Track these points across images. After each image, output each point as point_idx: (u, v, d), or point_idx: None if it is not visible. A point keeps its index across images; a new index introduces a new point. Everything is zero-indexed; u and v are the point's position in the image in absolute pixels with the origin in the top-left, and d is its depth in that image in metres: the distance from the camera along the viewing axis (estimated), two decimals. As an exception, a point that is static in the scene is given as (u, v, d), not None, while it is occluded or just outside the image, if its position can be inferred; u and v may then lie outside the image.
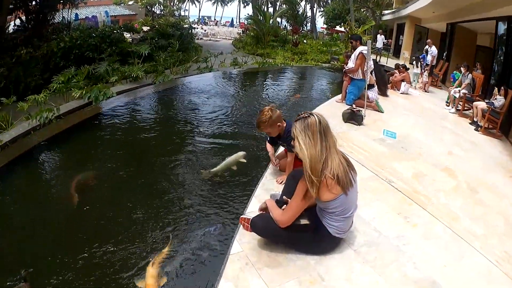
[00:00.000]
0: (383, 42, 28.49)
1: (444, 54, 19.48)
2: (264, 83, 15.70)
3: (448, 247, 4.13)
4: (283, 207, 3.80)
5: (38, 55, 14.92)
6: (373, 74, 10.61)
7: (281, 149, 6.18)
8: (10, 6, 16.85)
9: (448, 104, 12.61)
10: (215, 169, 5.97)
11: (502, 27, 13.15)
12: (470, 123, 10.57)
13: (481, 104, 10.44)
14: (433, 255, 3.94)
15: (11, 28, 18.35)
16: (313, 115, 3.44)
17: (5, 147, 7.21)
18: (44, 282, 3.69)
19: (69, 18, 21.13)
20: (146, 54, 16.48)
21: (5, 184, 5.90)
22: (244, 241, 3.91)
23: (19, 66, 13.62)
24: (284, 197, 4.01)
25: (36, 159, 6.87)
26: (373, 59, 11.11)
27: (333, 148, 3.41)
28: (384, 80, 12.79)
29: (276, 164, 5.51)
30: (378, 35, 27.95)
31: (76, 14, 26.38)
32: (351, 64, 9.88)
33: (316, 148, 3.31)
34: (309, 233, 3.73)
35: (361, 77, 9.66)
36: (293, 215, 3.50)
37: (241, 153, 6.36)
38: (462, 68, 13.00)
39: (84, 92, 10.62)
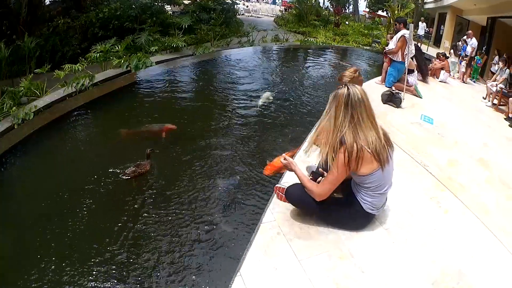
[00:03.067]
0: (425, 30, 27.82)
1: (484, 48, 18.86)
2: (305, 60, 15.50)
3: (476, 238, 3.94)
4: (319, 179, 3.73)
5: (76, 25, 15.06)
6: (414, 59, 10.35)
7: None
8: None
9: (485, 97, 12.18)
10: (260, 102, 8.40)
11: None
12: (505, 119, 10.15)
13: (517, 101, 10.04)
14: (462, 244, 3.77)
15: (48, 0, 18.41)
16: (346, 87, 3.30)
17: (39, 113, 7.44)
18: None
19: (108, -10, 20.91)
20: (187, 27, 16.48)
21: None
22: (277, 211, 3.84)
23: (56, 36, 13.79)
24: (320, 169, 3.89)
25: (71, 122, 7.17)
26: (415, 44, 10.83)
27: (366, 123, 3.25)
28: (426, 66, 12.49)
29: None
30: (420, 22, 27.25)
31: (116, -14, 26.22)
32: (391, 45, 9.71)
33: (336, 120, 3.23)
34: (343, 207, 3.63)
35: (401, 60, 9.42)
36: (330, 187, 3.38)
37: (268, 93, 8.99)
38: (500, 62, 12.53)
39: (122, 60, 10.71)
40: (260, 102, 8.64)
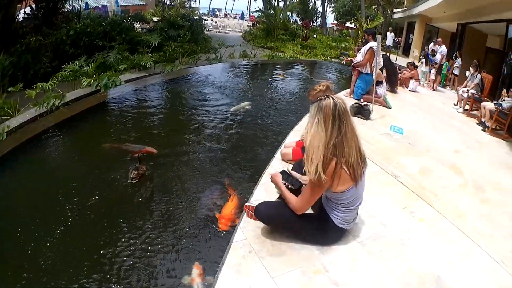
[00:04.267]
0: (393, 40, 28.46)
1: (454, 55, 19.34)
2: (273, 75, 15.63)
3: (453, 244, 4.08)
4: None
5: (47, 42, 14.96)
6: (383, 71, 10.60)
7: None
8: (21, -6, 16.90)
9: (456, 103, 12.50)
10: (232, 109, 9.12)
11: (513, 30, 13.05)
12: (477, 123, 10.44)
13: (489, 105, 10.31)
14: (438, 251, 3.89)
15: (21, 17, 18.28)
16: (330, 97, 3.28)
17: (12, 133, 7.30)
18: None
19: (79, 7, 20.94)
20: (156, 45, 16.57)
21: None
22: (248, 229, 3.88)
23: (28, 54, 13.70)
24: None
25: (42, 144, 7.02)
26: (385, 54, 11.08)
27: (350, 135, 3.27)
28: (395, 76, 12.75)
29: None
30: (388, 33, 27.98)
31: (86, 3, 26.44)
32: (359, 57, 9.88)
33: (327, 132, 3.18)
34: (314, 223, 3.68)
35: (369, 72, 9.60)
36: (306, 202, 3.45)
37: (247, 102, 9.64)
38: (471, 68, 12.89)
39: (92, 80, 10.70)
40: (232, 109, 9.14)
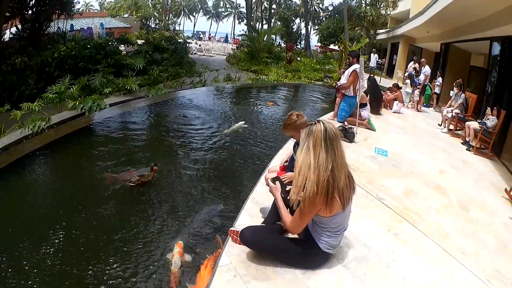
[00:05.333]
0: (376, 61, 28.81)
1: (437, 73, 19.55)
2: (257, 99, 15.75)
3: (438, 264, 4.16)
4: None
5: (33, 64, 14.98)
6: (367, 94, 10.74)
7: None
8: (7, 14, 16.93)
9: (440, 124, 12.69)
10: (226, 130, 9.53)
11: (496, 48, 13.22)
12: (462, 143, 10.62)
13: (474, 124, 10.48)
14: (423, 272, 3.97)
15: (7, 36, 18.41)
16: (320, 122, 3.34)
17: None
18: None
19: (64, 29, 21.11)
20: (141, 68, 16.72)
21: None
22: (233, 254, 3.91)
23: (14, 74, 13.72)
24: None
25: (28, 167, 6.95)
26: (371, 77, 11.21)
27: (341, 161, 3.31)
28: (378, 98, 12.90)
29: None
30: (372, 54, 28.33)
31: (71, 25, 26.64)
32: (343, 80, 9.98)
33: (316, 157, 3.23)
34: (299, 248, 3.72)
35: (353, 94, 9.72)
36: (298, 225, 3.51)
37: (242, 122, 10.11)
38: (455, 87, 13.06)
39: (77, 102, 10.78)
40: (227, 130, 9.60)
